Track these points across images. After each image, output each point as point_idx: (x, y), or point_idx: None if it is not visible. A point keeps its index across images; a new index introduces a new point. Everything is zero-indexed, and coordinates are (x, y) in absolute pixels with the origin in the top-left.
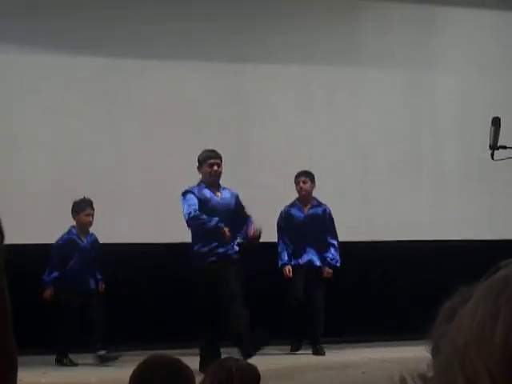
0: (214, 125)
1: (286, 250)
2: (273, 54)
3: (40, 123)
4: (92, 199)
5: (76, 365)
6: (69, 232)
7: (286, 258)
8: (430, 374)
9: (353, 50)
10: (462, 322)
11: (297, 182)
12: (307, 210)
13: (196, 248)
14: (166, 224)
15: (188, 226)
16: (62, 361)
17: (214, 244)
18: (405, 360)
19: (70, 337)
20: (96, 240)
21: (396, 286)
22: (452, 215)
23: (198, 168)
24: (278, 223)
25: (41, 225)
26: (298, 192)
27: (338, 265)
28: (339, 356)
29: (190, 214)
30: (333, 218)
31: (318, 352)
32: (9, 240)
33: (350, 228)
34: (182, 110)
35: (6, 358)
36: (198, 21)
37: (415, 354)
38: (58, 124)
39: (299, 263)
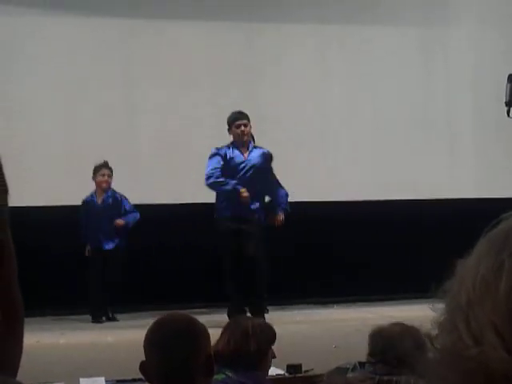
0: (228, 85)
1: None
2: (286, 13)
3: (53, 86)
4: (102, 160)
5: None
6: (91, 194)
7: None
8: (435, 333)
9: (366, 7)
10: (464, 278)
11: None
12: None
13: (219, 208)
14: (180, 185)
15: (208, 187)
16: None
17: (234, 205)
18: (407, 318)
19: (94, 294)
20: (116, 200)
21: (411, 245)
22: (467, 173)
23: (228, 130)
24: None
25: (56, 187)
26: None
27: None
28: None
29: (207, 176)
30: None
31: None
32: (29, 202)
33: (364, 187)
34: (195, 71)
35: (11, 310)
36: None
37: (422, 313)
38: (70, 87)
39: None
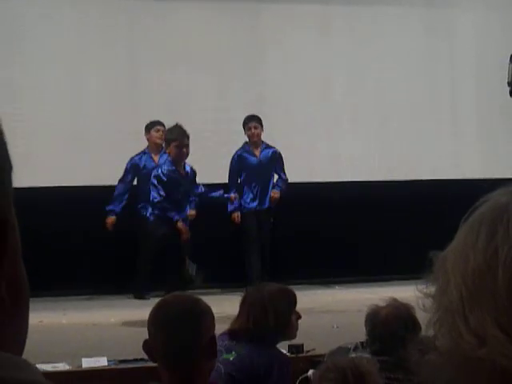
0: (231, 66)
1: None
2: None
3: (56, 67)
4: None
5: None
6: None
7: (236, 203)
8: (431, 333)
9: None
10: (450, 272)
11: (247, 128)
12: (259, 154)
13: None
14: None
15: None
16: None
17: None
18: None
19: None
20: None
21: (414, 225)
22: (471, 154)
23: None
24: (230, 168)
25: (59, 168)
26: (250, 137)
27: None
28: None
29: None
30: (282, 158)
31: None
32: (34, 183)
33: (368, 168)
34: (199, 51)
35: (17, 289)
36: None
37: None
38: (74, 68)
39: (251, 207)
